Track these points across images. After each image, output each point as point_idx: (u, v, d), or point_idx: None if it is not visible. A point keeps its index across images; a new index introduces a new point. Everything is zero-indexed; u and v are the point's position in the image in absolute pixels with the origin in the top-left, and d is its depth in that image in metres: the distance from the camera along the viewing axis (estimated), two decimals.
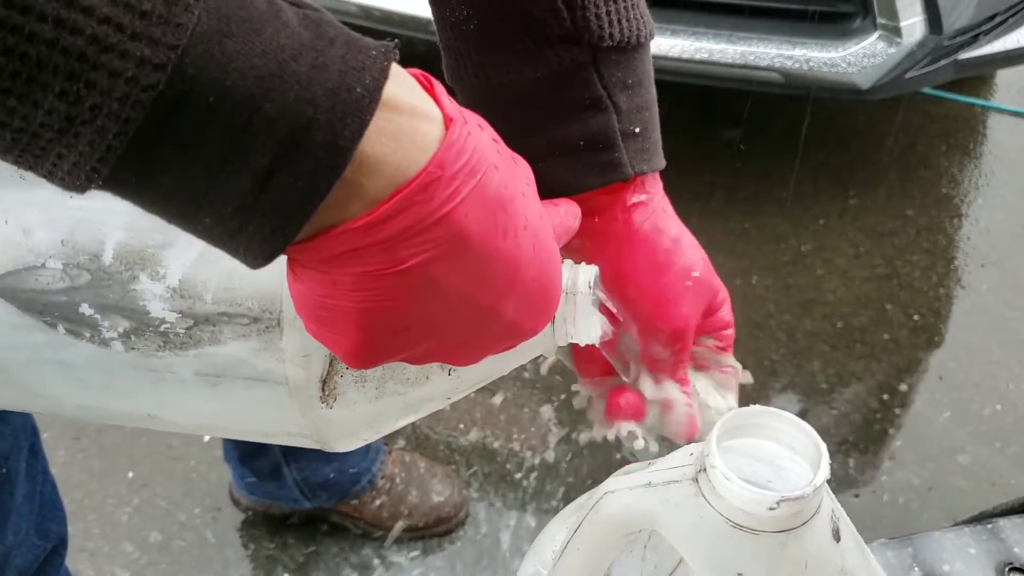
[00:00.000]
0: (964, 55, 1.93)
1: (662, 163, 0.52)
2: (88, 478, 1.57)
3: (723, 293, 0.55)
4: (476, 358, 0.40)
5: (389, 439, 1.61)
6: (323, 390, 0.43)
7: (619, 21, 0.48)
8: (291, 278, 0.35)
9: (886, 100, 2.28)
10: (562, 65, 0.48)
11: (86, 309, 0.42)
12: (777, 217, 2.10)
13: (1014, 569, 0.67)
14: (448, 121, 0.33)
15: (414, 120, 0.32)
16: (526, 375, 1.78)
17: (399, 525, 1.48)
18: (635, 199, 0.51)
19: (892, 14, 1.78)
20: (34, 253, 0.42)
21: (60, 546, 0.98)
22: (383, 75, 0.31)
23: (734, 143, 2.30)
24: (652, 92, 0.51)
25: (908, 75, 1.86)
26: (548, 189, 0.44)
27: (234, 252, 0.32)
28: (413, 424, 1.69)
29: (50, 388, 0.46)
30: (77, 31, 0.26)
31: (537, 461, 1.65)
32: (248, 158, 0.29)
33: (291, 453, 1.35)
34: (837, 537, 0.43)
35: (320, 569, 1.49)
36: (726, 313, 0.55)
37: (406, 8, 1.96)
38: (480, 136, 0.34)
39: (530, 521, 1.55)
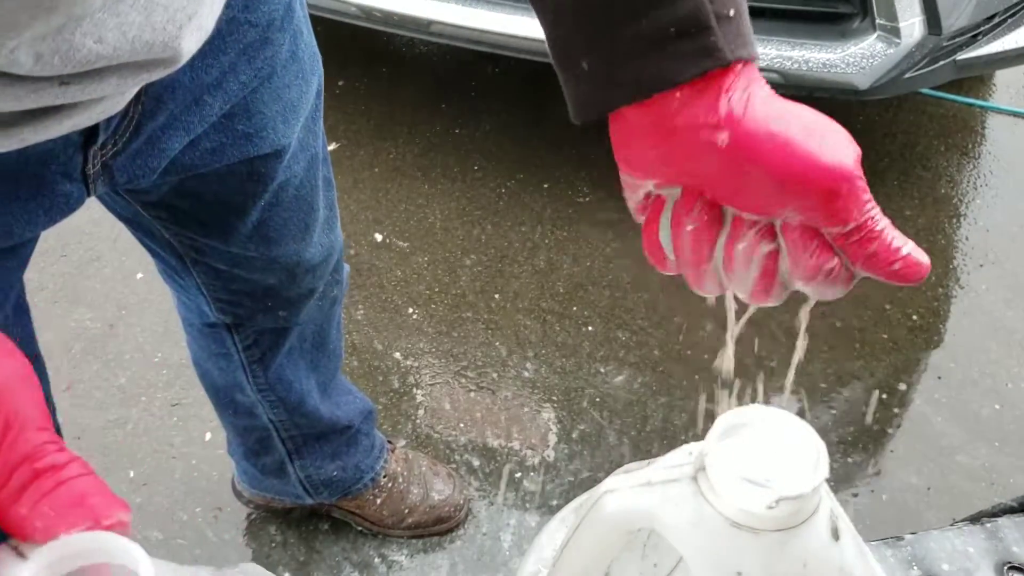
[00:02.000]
0: (963, 56, 1.93)
1: (757, 52, 0.49)
2: None
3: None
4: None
5: (390, 437, 1.62)
6: None
7: None
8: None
9: (885, 100, 2.28)
10: None
11: None
12: None
13: (1013, 568, 0.68)
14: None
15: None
16: (526, 375, 1.78)
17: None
18: (738, 87, 0.46)
19: (891, 15, 1.78)
20: None
21: None
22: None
23: None
24: None
25: (907, 76, 1.86)
26: (646, 86, 0.45)
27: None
28: (414, 423, 1.69)
29: None
30: None
31: (537, 461, 1.65)
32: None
33: (296, 451, 1.35)
34: (836, 536, 0.43)
35: (321, 568, 1.49)
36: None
37: (406, 8, 1.96)
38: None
39: (530, 520, 1.55)
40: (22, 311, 0.80)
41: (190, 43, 0.59)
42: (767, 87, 0.47)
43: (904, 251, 0.46)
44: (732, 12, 0.47)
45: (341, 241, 1.13)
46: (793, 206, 0.46)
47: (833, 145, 0.46)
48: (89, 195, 0.73)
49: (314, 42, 0.90)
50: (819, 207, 0.45)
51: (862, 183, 0.45)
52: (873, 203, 0.46)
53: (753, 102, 0.46)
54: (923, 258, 0.46)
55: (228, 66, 0.75)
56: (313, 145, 0.95)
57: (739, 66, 0.47)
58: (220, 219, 0.92)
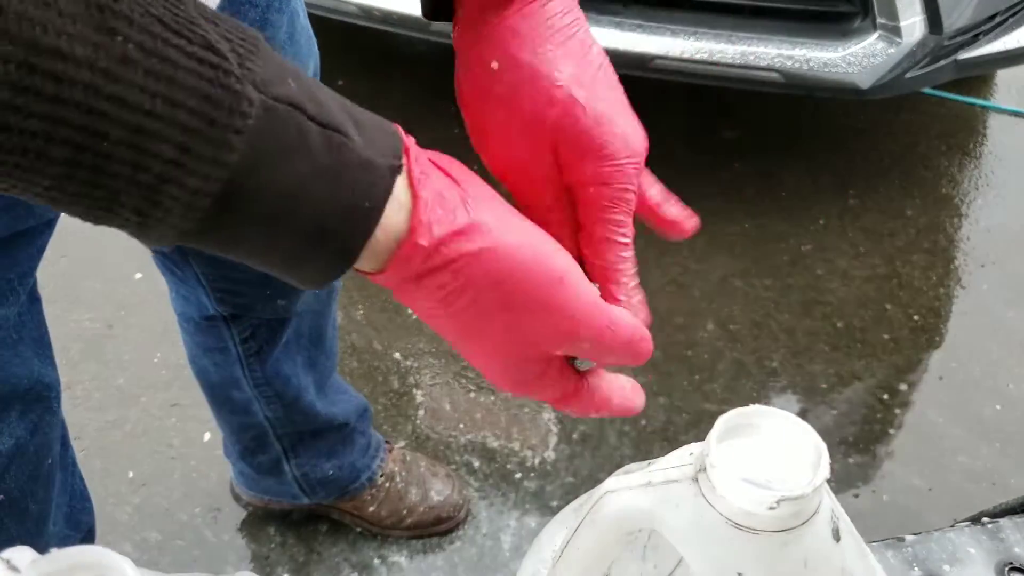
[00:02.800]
0: (964, 55, 1.93)
1: None
2: (88, 478, 1.57)
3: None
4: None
5: (390, 437, 1.62)
6: None
7: None
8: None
9: (886, 100, 2.28)
10: None
11: None
12: (777, 217, 2.10)
13: (1014, 569, 0.67)
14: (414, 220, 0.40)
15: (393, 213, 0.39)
16: None
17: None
18: (520, 8, 0.47)
19: (892, 14, 1.78)
20: None
21: (88, 537, 1.00)
22: (387, 192, 0.38)
23: (734, 143, 2.30)
24: None
25: (908, 75, 1.86)
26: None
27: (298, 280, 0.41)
28: (414, 423, 1.69)
29: None
30: (147, 169, 0.33)
31: (537, 461, 1.65)
32: (280, 249, 0.38)
33: (291, 449, 1.35)
34: (837, 537, 0.43)
35: (320, 569, 1.49)
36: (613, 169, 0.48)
37: (406, 8, 1.96)
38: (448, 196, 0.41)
39: (530, 521, 1.55)
40: (36, 300, 0.81)
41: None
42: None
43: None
44: None
45: None
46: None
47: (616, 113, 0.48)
48: None
49: (309, 25, 0.91)
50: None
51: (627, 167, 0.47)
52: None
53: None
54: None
55: None
56: None
57: None
58: None
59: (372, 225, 0.38)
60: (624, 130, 0.47)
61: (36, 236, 0.74)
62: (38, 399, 0.82)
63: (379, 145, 0.39)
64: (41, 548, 0.77)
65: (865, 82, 1.83)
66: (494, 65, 0.48)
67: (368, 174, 0.38)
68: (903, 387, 1.79)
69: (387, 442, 1.53)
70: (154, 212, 0.34)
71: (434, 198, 0.40)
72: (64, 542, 0.93)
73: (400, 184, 0.39)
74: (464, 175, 0.42)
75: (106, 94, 0.31)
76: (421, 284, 0.41)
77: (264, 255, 0.38)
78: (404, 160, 0.40)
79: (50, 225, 0.75)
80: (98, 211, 0.34)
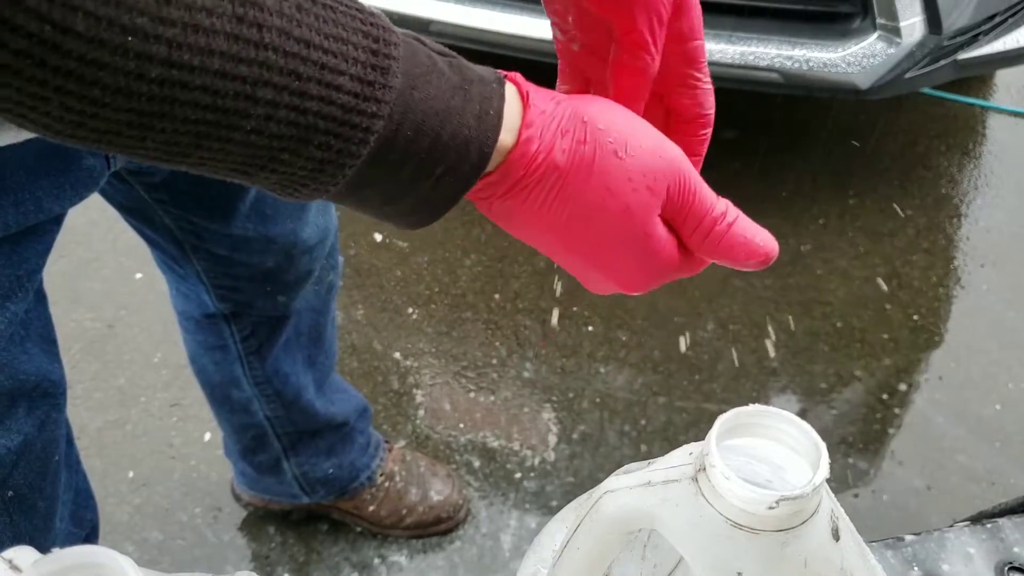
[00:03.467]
0: (963, 55, 1.93)
1: None
2: (89, 478, 1.58)
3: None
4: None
5: (390, 437, 1.62)
6: None
7: None
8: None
9: (886, 100, 2.28)
10: None
11: None
12: (777, 217, 2.10)
13: (1014, 569, 0.68)
14: (524, 104, 0.45)
15: (511, 115, 0.45)
16: (526, 375, 1.78)
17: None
18: None
19: (891, 14, 1.78)
20: None
21: (92, 534, 1.00)
22: (502, 99, 0.44)
23: (734, 143, 2.30)
24: None
25: (907, 75, 1.86)
26: None
27: (409, 224, 0.45)
28: (414, 423, 1.69)
29: None
30: (333, 102, 0.38)
31: (537, 461, 1.65)
32: (432, 166, 0.42)
33: (291, 448, 1.36)
34: (836, 536, 0.43)
35: (320, 568, 1.49)
36: (697, 20, 0.53)
37: (406, 8, 1.96)
38: (556, 110, 0.46)
39: (530, 521, 1.55)
40: (43, 299, 0.81)
41: None
42: None
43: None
44: None
45: (336, 224, 1.16)
46: None
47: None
48: (109, 168, 0.75)
49: None
50: None
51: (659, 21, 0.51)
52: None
53: None
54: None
55: None
56: None
57: None
58: (220, 198, 0.95)
59: (498, 128, 0.43)
60: None
61: (44, 233, 0.74)
62: (45, 396, 0.82)
63: (480, 67, 0.45)
64: (48, 544, 0.77)
65: (865, 82, 1.83)
66: None
67: (485, 87, 0.43)
68: (903, 387, 1.79)
69: (387, 442, 1.53)
70: (335, 143, 0.39)
71: (540, 100, 0.45)
72: (68, 539, 0.93)
73: (511, 90, 0.45)
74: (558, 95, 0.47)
75: (295, 36, 0.36)
76: (535, 177, 0.45)
77: (417, 180, 0.42)
78: (505, 76, 0.45)
79: (58, 222, 0.75)
80: (287, 152, 0.38)
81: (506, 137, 0.44)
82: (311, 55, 0.37)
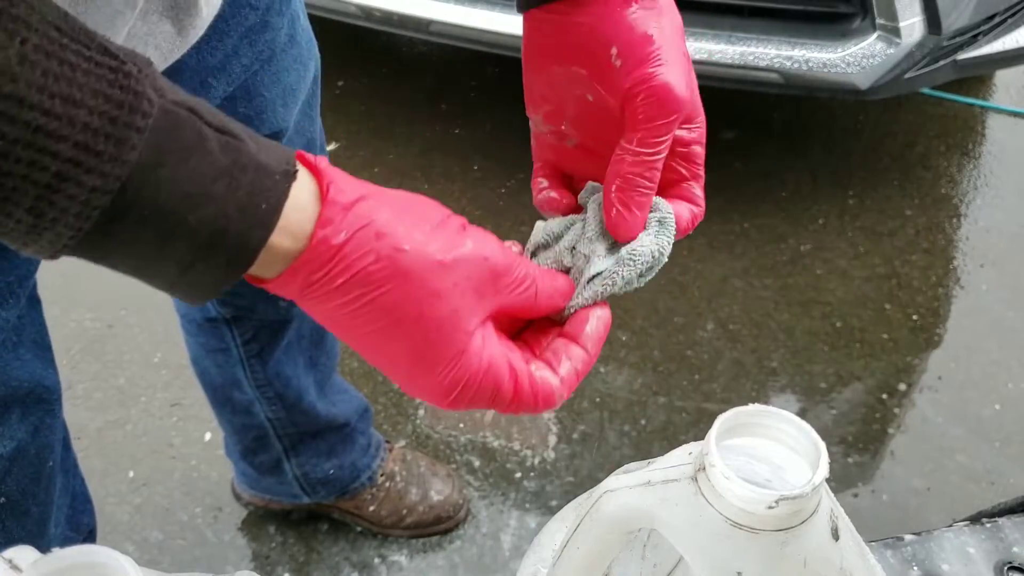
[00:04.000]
0: (963, 55, 1.93)
1: None
2: (89, 478, 1.56)
3: (702, 116, 0.53)
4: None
5: (390, 437, 1.62)
6: None
7: None
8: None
9: (885, 100, 2.28)
10: None
11: None
12: (777, 217, 2.10)
13: (1013, 568, 0.68)
14: (322, 198, 0.42)
15: (297, 213, 0.41)
16: None
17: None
18: (646, 10, 0.51)
19: (891, 14, 1.78)
20: None
21: (89, 538, 1.00)
22: (283, 195, 0.40)
23: (734, 143, 2.30)
24: None
25: (907, 75, 1.86)
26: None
27: (176, 294, 0.41)
28: (414, 423, 1.69)
29: None
30: (45, 168, 0.34)
31: (537, 461, 1.65)
32: (174, 253, 0.38)
33: (292, 448, 1.36)
34: (836, 536, 0.43)
35: (320, 568, 1.49)
36: (700, 131, 0.53)
37: (406, 8, 1.96)
38: (360, 212, 0.42)
39: (530, 521, 1.55)
40: (36, 303, 0.81)
41: (207, 8, 0.64)
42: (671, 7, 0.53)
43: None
44: None
45: None
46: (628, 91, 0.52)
47: (679, 80, 0.51)
48: None
49: (310, 28, 0.91)
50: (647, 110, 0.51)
51: (676, 125, 0.51)
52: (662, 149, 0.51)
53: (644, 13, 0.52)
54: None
55: (231, 49, 0.77)
56: (309, 130, 0.96)
57: None
58: None
59: (270, 225, 0.39)
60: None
61: None
62: (39, 402, 0.82)
63: (273, 153, 0.40)
64: (43, 550, 0.77)
65: (864, 82, 1.83)
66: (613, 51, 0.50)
67: (264, 177, 0.39)
68: (902, 387, 1.79)
69: (387, 442, 1.53)
70: (49, 211, 0.34)
71: (343, 200, 0.41)
72: (65, 543, 0.93)
73: (306, 189, 0.41)
74: (371, 187, 0.44)
75: (4, 93, 0.32)
76: (332, 283, 0.42)
77: (158, 261, 0.38)
78: (299, 166, 0.41)
79: None
80: None
81: (285, 239, 0.40)
82: (22, 115, 0.32)
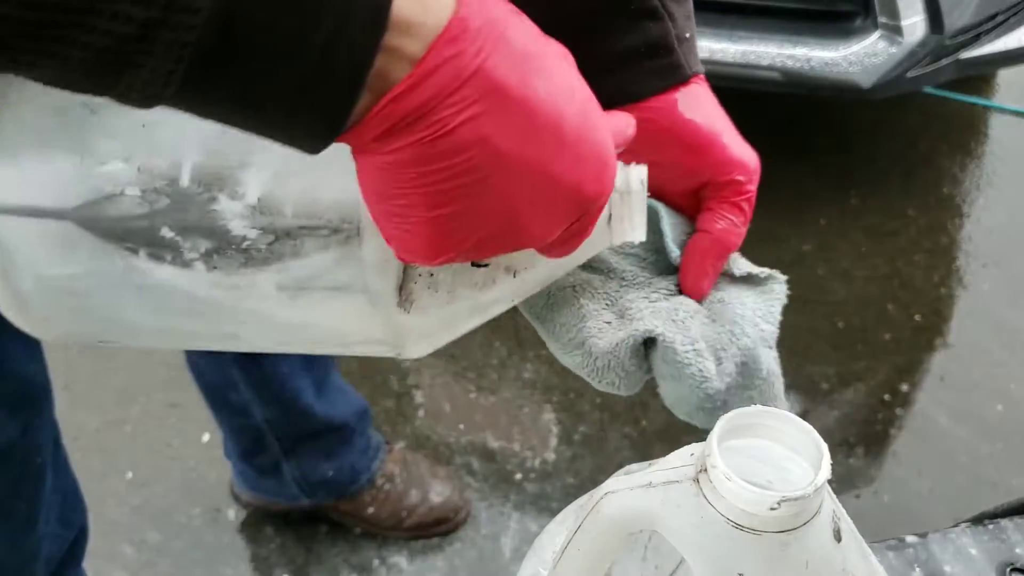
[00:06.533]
0: (965, 54, 1.93)
1: (702, 67, 0.56)
2: (87, 478, 1.56)
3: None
4: (545, 231, 0.40)
5: (390, 438, 1.61)
6: (400, 295, 0.45)
7: None
8: (360, 174, 0.37)
9: (887, 100, 2.28)
10: None
11: (167, 232, 0.43)
12: (777, 217, 2.10)
13: (1015, 570, 0.67)
14: None
15: None
16: (526, 375, 1.78)
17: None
18: (690, 96, 0.53)
19: (893, 13, 1.78)
20: (112, 182, 0.44)
21: (81, 536, 1.00)
22: None
23: None
24: (691, 2, 0.55)
25: (909, 74, 1.86)
26: (612, 98, 0.46)
27: (298, 137, 0.34)
28: (413, 424, 1.69)
29: (131, 314, 0.47)
30: None
31: (537, 461, 1.65)
32: (309, 34, 0.31)
33: (290, 450, 1.35)
34: (838, 537, 0.43)
35: (319, 570, 1.49)
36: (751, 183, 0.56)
37: None
38: (498, 2, 0.36)
39: (530, 522, 1.55)
40: None
41: None
42: (712, 96, 0.56)
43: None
44: (688, 35, 0.54)
45: None
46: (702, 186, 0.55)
47: (741, 146, 0.55)
48: None
49: None
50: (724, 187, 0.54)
51: (753, 185, 0.55)
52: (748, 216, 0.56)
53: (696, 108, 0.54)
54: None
55: None
56: None
57: (694, 79, 0.54)
58: None
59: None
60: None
61: None
62: (27, 400, 0.82)
63: None
64: (31, 547, 0.76)
65: (866, 81, 1.82)
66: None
67: None
68: (904, 387, 1.78)
69: (387, 443, 1.52)
70: (160, 30, 0.29)
71: None
72: (55, 541, 0.93)
73: None
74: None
75: None
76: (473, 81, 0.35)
77: (298, 41, 0.31)
78: None
79: None
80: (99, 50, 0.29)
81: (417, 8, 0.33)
82: None
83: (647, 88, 0.52)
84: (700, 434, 0.44)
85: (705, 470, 0.42)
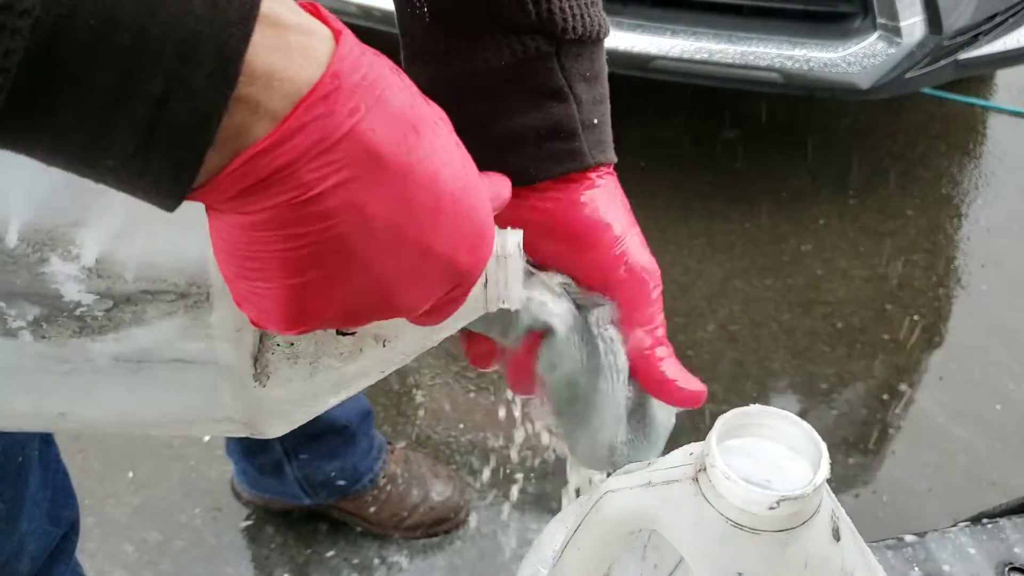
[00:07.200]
0: (964, 55, 1.93)
1: (614, 156, 0.52)
2: (88, 478, 1.57)
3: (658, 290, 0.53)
4: (416, 302, 0.37)
5: (390, 438, 1.61)
6: (255, 367, 0.41)
7: (581, 16, 0.49)
8: (213, 234, 0.34)
9: (886, 100, 2.28)
10: (527, 54, 0.48)
11: None
12: (777, 217, 2.10)
13: (1014, 569, 0.67)
14: (337, 35, 0.32)
15: (302, 36, 0.31)
16: None
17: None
18: (589, 188, 0.50)
19: (892, 14, 1.78)
20: None
21: (71, 532, 0.99)
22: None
23: (734, 143, 2.30)
24: (607, 87, 0.52)
25: (908, 75, 1.86)
26: (510, 178, 0.44)
27: (145, 193, 0.31)
28: (414, 424, 1.69)
29: None
30: None
31: (538, 462, 1.65)
32: (141, 83, 0.28)
33: (293, 451, 1.35)
34: (837, 537, 0.43)
35: (320, 569, 1.49)
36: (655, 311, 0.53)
37: None
38: (377, 58, 0.33)
39: (531, 522, 1.55)
40: None
41: None
42: (617, 191, 0.52)
43: (677, 382, 0.54)
44: (596, 120, 0.51)
45: None
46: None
47: (638, 250, 0.51)
48: None
49: None
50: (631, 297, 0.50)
51: (658, 293, 0.51)
52: (661, 318, 0.51)
53: (593, 205, 0.50)
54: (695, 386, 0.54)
55: None
56: None
57: (594, 170, 0.51)
58: None
59: (251, 19, 0.29)
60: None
61: None
62: None
63: None
64: (11, 546, 0.75)
65: (865, 82, 1.83)
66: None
67: None
68: (903, 387, 1.78)
69: (389, 443, 1.53)
70: None
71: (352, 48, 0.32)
72: (44, 538, 0.92)
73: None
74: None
75: None
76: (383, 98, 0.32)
77: (130, 92, 0.28)
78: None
79: None
80: None
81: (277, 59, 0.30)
82: None
83: (542, 171, 0.49)
84: (700, 434, 0.44)
85: (704, 469, 0.42)
